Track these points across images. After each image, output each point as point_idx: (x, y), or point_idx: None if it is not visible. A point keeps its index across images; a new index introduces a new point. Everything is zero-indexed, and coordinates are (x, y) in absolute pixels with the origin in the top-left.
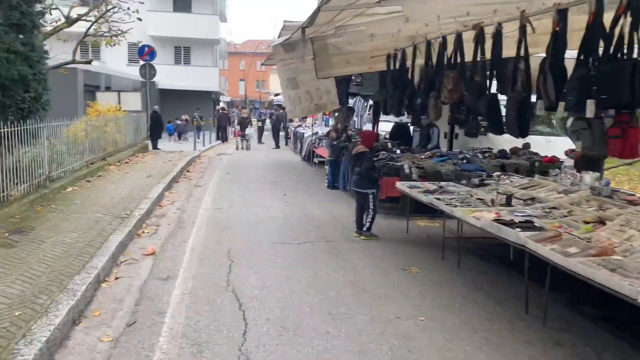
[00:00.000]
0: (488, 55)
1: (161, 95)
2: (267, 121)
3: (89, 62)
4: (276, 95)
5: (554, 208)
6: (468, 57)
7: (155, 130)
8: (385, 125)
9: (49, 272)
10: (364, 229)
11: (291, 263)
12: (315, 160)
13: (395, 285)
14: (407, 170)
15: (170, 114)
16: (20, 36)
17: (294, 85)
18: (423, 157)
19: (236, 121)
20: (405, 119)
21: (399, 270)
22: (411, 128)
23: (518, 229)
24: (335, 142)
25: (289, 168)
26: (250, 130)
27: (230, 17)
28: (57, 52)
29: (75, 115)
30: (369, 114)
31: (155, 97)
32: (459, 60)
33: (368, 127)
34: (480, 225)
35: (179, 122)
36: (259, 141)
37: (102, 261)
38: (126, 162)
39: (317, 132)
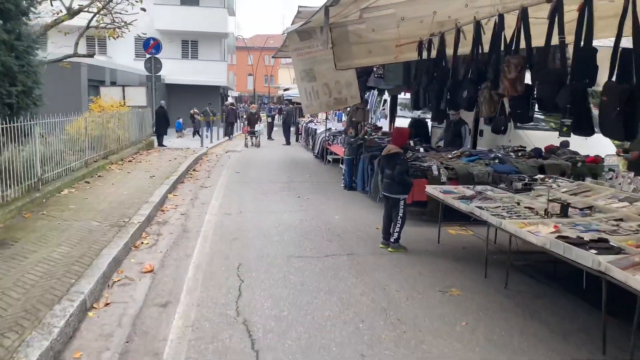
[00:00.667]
0: (569, 37)
1: (168, 90)
2: (276, 117)
3: (91, 56)
4: (285, 90)
5: (620, 220)
6: (537, 39)
7: (161, 126)
8: (401, 121)
9: (24, 300)
10: (392, 240)
11: (311, 284)
12: (329, 158)
13: (436, 314)
14: (435, 172)
15: (177, 109)
16: (2, 22)
17: (310, 78)
18: (450, 156)
19: (244, 117)
20: (421, 114)
21: (437, 292)
22: (429, 124)
23: (593, 251)
24: (353, 140)
25: (301, 166)
26: (260, 127)
27: (238, 11)
28: (60, 46)
29: (79, 111)
30: (383, 109)
31: (161, 92)
32: (521, 44)
33: (382, 123)
34: (542, 244)
35: (198, 117)
36: (269, 137)
37: (91, 283)
38: (129, 161)
39: (330, 128)
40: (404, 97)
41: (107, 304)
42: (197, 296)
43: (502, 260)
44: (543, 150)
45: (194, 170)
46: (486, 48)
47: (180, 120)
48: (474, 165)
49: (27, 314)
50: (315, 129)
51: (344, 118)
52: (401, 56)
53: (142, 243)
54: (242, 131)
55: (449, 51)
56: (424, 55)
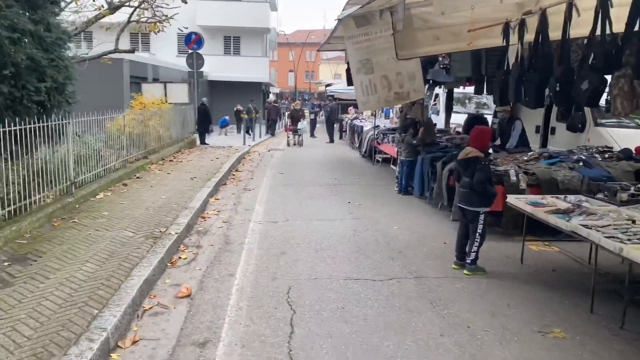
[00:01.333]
0: None
1: (210, 87)
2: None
3: (132, 51)
4: (327, 85)
5: None
6: None
7: (203, 124)
8: (456, 117)
9: (36, 338)
10: (468, 261)
11: (377, 317)
12: (378, 157)
13: None
14: (513, 178)
15: (219, 106)
16: (30, 13)
17: (367, 70)
18: (526, 158)
19: (287, 114)
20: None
21: (536, 334)
22: (490, 120)
23: None
24: (415, 140)
25: (348, 167)
26: (303, 124)
27: (280, 6)
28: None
29: (121, 108)
30: (434, 104)
31: (204, 88)
32: None
33: (434, 119)
34: None
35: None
36: (312, 135)
37: (116, 315)
38: (170, 160)
39: (378, 126)
40: (461, 91)
41: (134, 342)
42: (241, 332)
43: (609, 288)
44: (633, 152)
45: (236, 170)
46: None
47: (227, 117)
48: (556, 169)
49: None
50: (362, 127)
51: (391, 114)
52: (475, 43)
53: (180, 258)
54: (284, 129)
55: (552, 34)
56: (510, 39)
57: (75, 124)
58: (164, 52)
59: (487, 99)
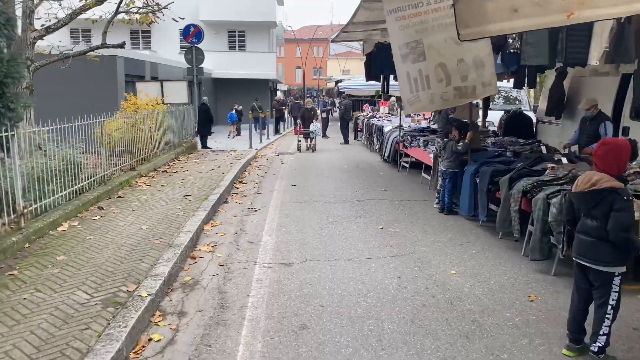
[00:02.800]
0: None
1: (215, 85)
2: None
3: (121, 46)
4: (338, 82)
5: None
6: None
7: (204, 126)
8: (492, 115)
9: None
10: (595, 348)
11: None
12: (404, 163)
13: None
14: None
15: (224, 105)
16: None
17: (417, 55)
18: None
19: (286, 109)
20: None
21: None
22: (534, 118)
23: None
24: (461, 146)
25: (370, 174)
26: (316, 127)
27: (286, 1)
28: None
29: (116, 109)
30: None
31: (208, 87)
32: None
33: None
34: None
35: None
36: (324, 135)
37: None
38: (164, 171)
39: (402, 126)
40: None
41: None
42: None
43: None
44: None
45: (240, 182)
46: None
47: (234, 111)
48: None
49: None
50: (382, 127)
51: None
52: (580, 14)
53: (150, 341)
54: (295, 131)
55: None
56: None
57: (39, 134)
58: (166, 49)
59: (519, 93)
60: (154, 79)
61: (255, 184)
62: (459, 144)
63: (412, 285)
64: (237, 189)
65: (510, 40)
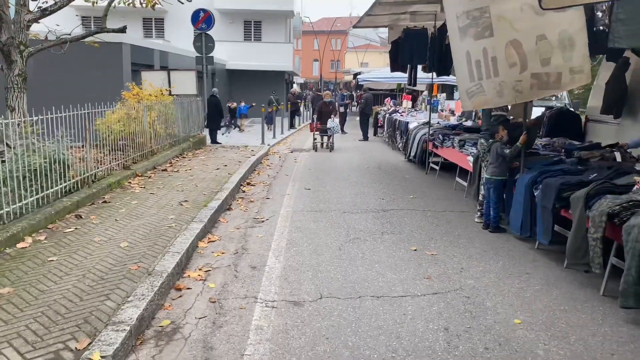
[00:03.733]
0: None
1: (229, 77)
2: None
3: (122, 31)
4: (356, 74)
5: None
6: None
7: (214, 119)
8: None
9: None
10: None
11: None
12: (433, 164)
13: None
14: None
15: (239, 97)
16: None
17: (481, 29)
18: None
19: (298, 102)
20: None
21: None
22: (582, 117)
23: None
24: (509, 151)
25: (395, 177)
26: (334, 123)
27: None
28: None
29: (116, 99)
30: None
31: (222, 78)
32: None
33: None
34: None
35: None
36: (342, 131)
37: None
38: (164, 170)
39: (428, 122)
40: None
41: None
42: None
43: None
44: None
45: (247, 183)
46: None
47: (242, 103)
48: None
49: None
50: (406, 123)
51: (440, 105)
52: None
53: None
54: (310, 128)
55: None
56: None
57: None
58: (180, 38)
59: None
60: (164, 68)
61: (265, 186)
62: (507, 148)
63: (465, 342)
64: (244, 192)
65: (599, 13)
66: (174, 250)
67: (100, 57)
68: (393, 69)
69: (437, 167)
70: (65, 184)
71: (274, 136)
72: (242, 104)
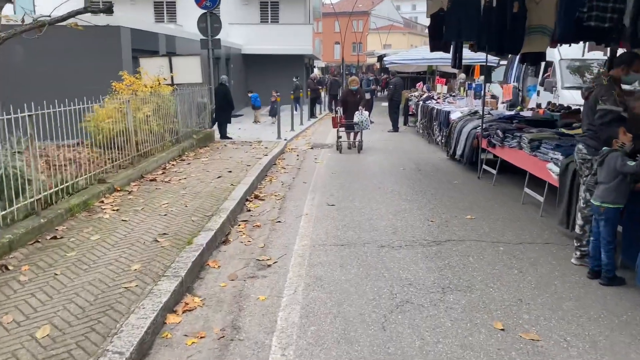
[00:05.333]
0: None
1: (245, 62)
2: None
3: (108, 10)
4: (381, 57)
5: None
6: None
7: (223, 111)
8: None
9: None
10: None
11: None
12: (486, 166)
13: None
14: None
15: (255, 84)
16: None
17: None
18: None
19: (324, 90)
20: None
21: None
22: None
23: None
24: (634, 165)
25: (439, 183)
26: (363, 117)
27: None
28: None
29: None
30: (546, 77)
31: (238, 64)
32: None
33: (545, 98)
34: None
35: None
36: None
37: None
38: (152, 179)
39: (481, 114)
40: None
41: None
42: None
43: None
44: None
45: (256, 196)
46: None
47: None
48: None
49: None
50: (446, 112)
51: (492, 88)
52: None
53: None
54: (332, 123)
55: None
56: None
57: None
58: (192, 23)
59: None
60: (171, 54)
61: (277, 200)
62: (632, 161)
63: None
64: (249, 210)
65: None
66: (115, 350)
67: (97, 43)
68: (434, 48)
69: (494, 172)
70: (4, 212)
71: (292, 128)
72: (251, 93)
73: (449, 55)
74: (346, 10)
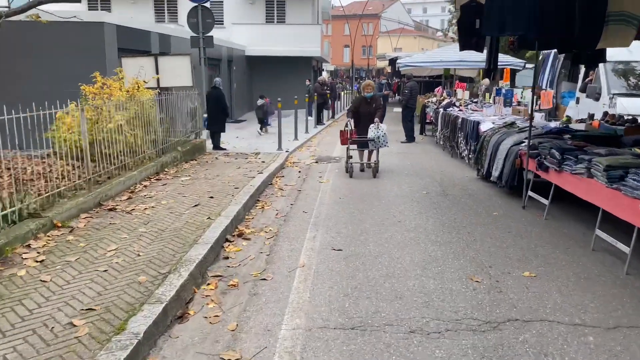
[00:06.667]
0: None
1: (249, 64)
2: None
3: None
4: (393, 59)
5: None
6: None
7: (216, 119)
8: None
9: None
10: None
11: None
12: (534, 194)
13: None
14: None
15: (260, 88)
16: None
17: None
18: None
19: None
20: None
21: None
22: None
23: None
24: None
25: (476, 216)
26: (381, 130)
27: None
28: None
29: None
30: (588, 82)
31: (241, 66)
32: None
33: (590, 107)
34: None
35: (261, 101)
36: None
37: None
38: (111, 209)
39: (513, 124)
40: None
41: None
42: None
43: None
44: None
45: (239, 234)
46: None
47: (264, 98)
48: None
49: None
50: (475, 122)
51: (526, 95)
52: None
53: None
54: (340, 139)
55: None
56: None
57: None
58: None
59: None
60: (163, 54)
61: (267, 240)
62: None
63: None
64: (227, 258)
65: None
66: None
67: (78, 41)
68: (464, 46)
69: (545, 201)
70: None
71: (296, 137)
72: (263, 98)
73: (470, 57)
74: (356, 12)
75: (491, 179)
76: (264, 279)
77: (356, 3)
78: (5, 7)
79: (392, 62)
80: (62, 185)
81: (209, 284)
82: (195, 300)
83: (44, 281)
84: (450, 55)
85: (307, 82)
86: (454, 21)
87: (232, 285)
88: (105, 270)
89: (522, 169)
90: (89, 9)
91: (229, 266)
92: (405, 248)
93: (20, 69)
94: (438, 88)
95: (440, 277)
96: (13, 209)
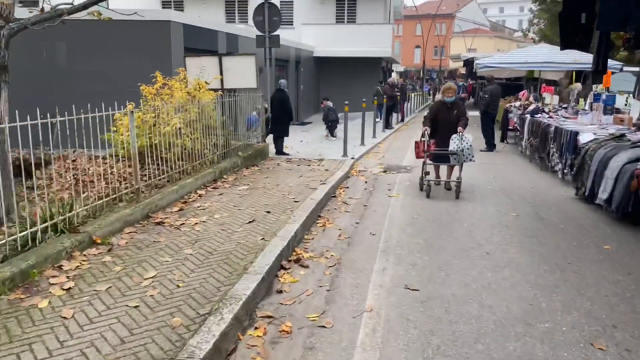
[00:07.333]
0: None
1: (317, 65)
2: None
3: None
4: (468, 61)
5: None
6: None
7: (280, 123)
8: None
9: None
10: None
11: None
12: None
13: None
14: None
15: (328, 90)
16: None
17: None
18: None
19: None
20: None
21: None
22: None
23: None
24: None
25: (583, 251)
26: (465, 142)
27: None
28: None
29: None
30: None
31: (309, 68)
32: None
33: None
34: None
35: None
36: None
37: None
38: (158, 222)
39: (623, 135)
40: None
41: None
42: None
43: None
44: None
45: (297, 259)
46: None
47: (254, 113)
48: None
49: None
50: (574, 132)
51: (628, 101)
52: None
53: None
54: (415, 152)
55: None
56: None
57: None
58: None
59: None
60: (229, 54)
61: (327, 269)
62: None
63: None
64: (281, 292)
65: None
66: None
67: (144, 39)
68: (567, 45)
69: None
70: None
71: (362, 142)
72: (254, 113)
73: (555, 59)
74: (429, 12)
75: (596, 201)
76: (323, 326)
77: (429, 2)
78: (69, 3)
79: (467, 63)
80: (105, 196)
81: (256, 328)
82: (238, 351)
83: (64, 317)
84: (535, 56)
85: (379, 84)
86: (535, 20)
87: (284, 331)
88: (136, 307)
89: (638, 191)
90: (162, 8)
91: (282, 303)
92: (499, 292)
93: (98, 67)
94: (523, 92)
95: (549, 340)
96: (45, 224)
